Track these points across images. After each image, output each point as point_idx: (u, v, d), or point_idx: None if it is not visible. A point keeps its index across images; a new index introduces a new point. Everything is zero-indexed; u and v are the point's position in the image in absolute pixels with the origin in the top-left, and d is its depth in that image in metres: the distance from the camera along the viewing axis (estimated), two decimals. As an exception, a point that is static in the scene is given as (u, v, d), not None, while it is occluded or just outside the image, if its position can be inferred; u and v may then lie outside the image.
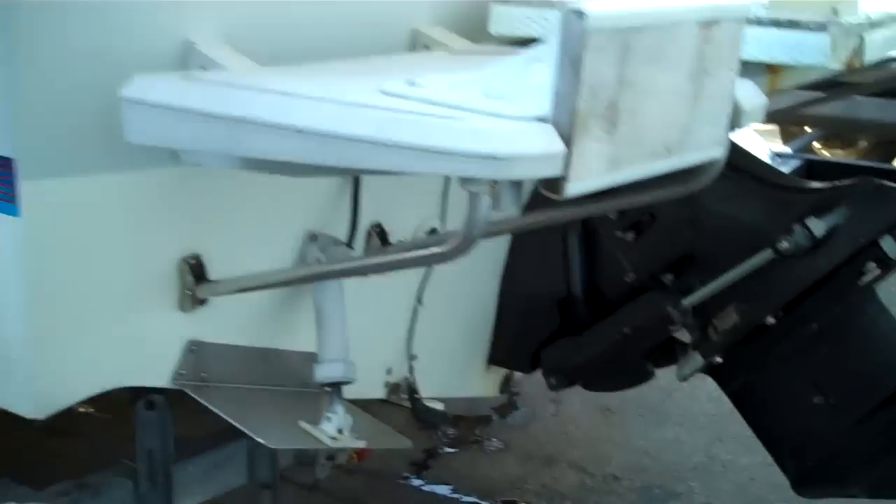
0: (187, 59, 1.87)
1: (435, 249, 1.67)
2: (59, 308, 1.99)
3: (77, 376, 2.10)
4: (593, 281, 2.88)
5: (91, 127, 1.84)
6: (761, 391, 2.80)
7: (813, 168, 4.60)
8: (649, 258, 2.76)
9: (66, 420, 2.25)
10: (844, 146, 6.18)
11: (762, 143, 4.89)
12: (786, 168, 4.40)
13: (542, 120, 1.50)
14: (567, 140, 1.48)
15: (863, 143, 6.08)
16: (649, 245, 2.74)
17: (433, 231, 2.54)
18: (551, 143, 1.47)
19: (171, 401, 2.35)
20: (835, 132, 5.80)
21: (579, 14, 1.44)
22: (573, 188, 1.53)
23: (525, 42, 2.22)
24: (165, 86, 1.69)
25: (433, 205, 2.53)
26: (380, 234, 2.41)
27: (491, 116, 1.50)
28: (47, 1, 1.74)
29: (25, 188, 1.82)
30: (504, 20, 2.25)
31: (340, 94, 1.60)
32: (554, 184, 1.52)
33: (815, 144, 6.03)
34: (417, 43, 2.25)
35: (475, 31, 2.31)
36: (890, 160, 5.63)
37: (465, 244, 1.58)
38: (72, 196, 1.87)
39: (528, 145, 1.47)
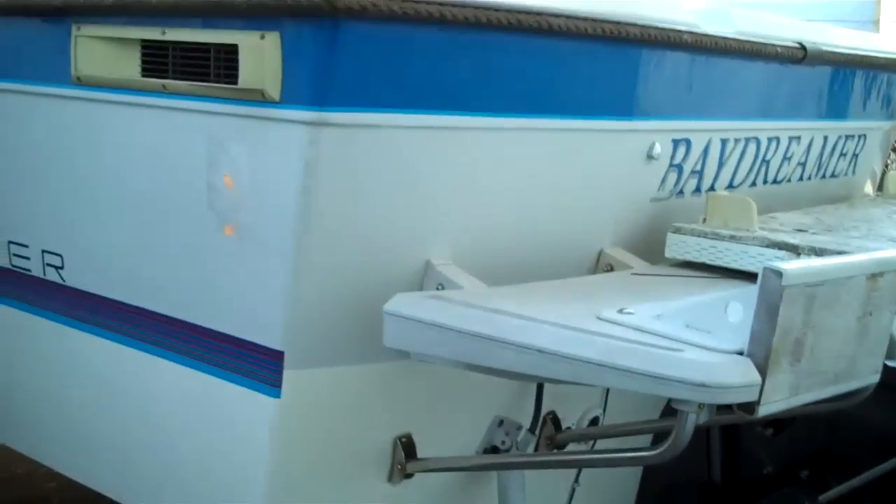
0: (426, 276, 2.25)
1: (645, 454, 1.98)
2: (295, 473, 2.34)
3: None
4: (732, 470, 3.14)
5: (344, 327, 2.21)
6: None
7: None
8: (787, 453, 3.01)
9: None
10: None
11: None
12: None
13: (739, 353, 1.82)
14: (762, 372, 1.80)
15: None
16: (787, 441, 3.00)
17: (595, 420, 2.84)
18: (750, 375, 1.79)
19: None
20: None
21: (778, 273, 1.78)
22: (763, 411, 1.84)
23: (692, 264, 2.58)
24: (422, 305, 2.06)
25: (597, 397, 2.84)
26: (553, 421, 2.72)
27: (698, 348, 1.84)
28: (321, 224, 2.14)
29: (287, 376, 2.19)
30: (678, 246, 2.61)
31: (567, 320, 1.95)
32: (747, 406, 1.83)
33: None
34: (602, 261, 2.63)
35: (651, 253, 2.67)
36: None
37: (673, 450, 1.90)
38: (321, 383, 2.24)
39: (732, 377, 1.78)
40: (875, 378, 2.13)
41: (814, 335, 1.89)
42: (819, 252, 2.41)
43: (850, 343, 2.00)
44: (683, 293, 2.24)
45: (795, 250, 2.45)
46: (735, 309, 1.88)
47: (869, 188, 4.08)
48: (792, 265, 1.81)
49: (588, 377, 1.88)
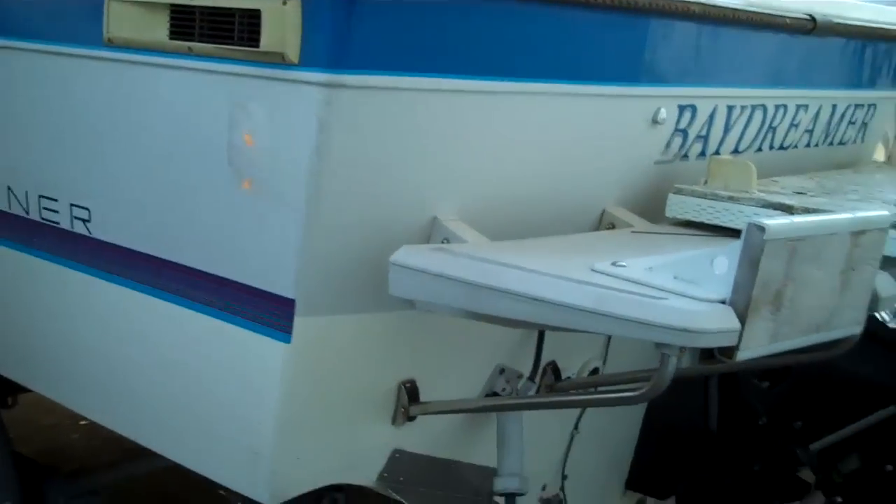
0: (433, 231, 2.38)
1: (627, 394, 2.11)
2: (303, 416, 2.48)
3: (306, 472, 2.57)
4: (729, 420, 3.26)
5: (352, 277, 2.34)
6: (880, 533, 3.11)
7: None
8: (782, 405, 3.13)
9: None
10: None
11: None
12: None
13: (722, 302, 1.94)
14: (742, 319, 1.91)
15: None
16: (782, 394, 3.12)
17: (595, 370, 2.97)
18: (730, 321, 1.90)
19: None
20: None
21: (761, 228, 1.89)
22: (742, 356, 1.95)
23: (692, 223, 2.69)
24: (426, 256, 2.19)
25: (597, 348, 2.96)
26: (553, 370, 2.85)
27: (684, 297, 1.95)
28: (333, 180, 2.25)
29: (297, 322, 2.32)
30: (678, 206, 2.71)
31: (563, 271, 2.07)
32: (727, 351, 1.94)
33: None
34: (604, 220, 2.74)
35: (654, 213, 2.78)
36: None
37: (653, 391, 2.02)
38: (329, 330, 2.37)
39: (712, 322, 1.90)
40: (857, 329, 2.24)
41: (794, 287, 2.00)
42: (812, 212, 2.51)
43: (831, 295, 2.11)
44: (677, 249, 2.35)
45: (790, 210, 2.55)
46: (721, 262, 1.98)
47: (880, 156, 4.15)
48: (775, 221, 1.92)
49: (579, 323, 1.99)
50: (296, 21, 2.14)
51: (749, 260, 1.91)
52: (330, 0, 2.10)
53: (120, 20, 2.50)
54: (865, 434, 2.98)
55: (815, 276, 2.04)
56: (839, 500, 3.10)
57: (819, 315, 2.11)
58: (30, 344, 3.16)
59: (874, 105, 3.82)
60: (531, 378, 2.75)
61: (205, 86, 2.38)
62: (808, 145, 3.52)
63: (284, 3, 2.15)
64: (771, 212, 2.57)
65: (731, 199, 2.67)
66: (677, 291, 1.97)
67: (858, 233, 2.09)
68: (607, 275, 2.07)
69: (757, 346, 1.98)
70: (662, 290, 1.98)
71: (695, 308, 1.91)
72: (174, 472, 2.95)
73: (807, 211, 2.52)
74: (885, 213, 2.19)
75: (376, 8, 2.12)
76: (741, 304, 1.91)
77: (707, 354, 2.00)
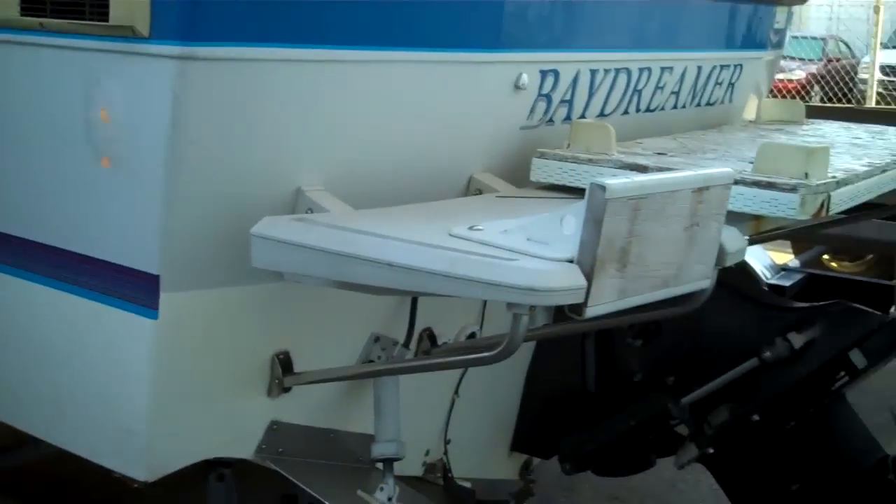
0: (297, 202, 2.39)
1: (483, 354, 2.16)
2: (176, 392, 2.48)
3: (182, 448, 2.58)
4: (606, 379, 3.36)
5: (217, 251, 2.35)
6: (748, 479, 3.25)
7: (815, 281, 5.08)
8: (655, 362, 3.24)
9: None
10: (852, 259, 6.65)
11: (768, 257, 5.35)
12: (789, 281, 4.88)
13: (570, 261, 2.00)
14: (588, 277, 1.98)
15: (869, 257, 6.54)
16: (655, 351, 3.23)
17: (472, 335, 3.03)
18: (576, 279, 1.97)
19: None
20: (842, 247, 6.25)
21: (602, 188, 1.95)
22: (590, 312, 2.01)
23: (556, 187, 2.76)
24: (286, 227, 2.20)
25: (474, 314, 3.02)
26: (430, 337, 2.90)
27: (533, 258, 2.01)
28: (191, 154, 2.25)
29: (164, 298, 2.32)
30: (542, 170, 2.78)
31: (420, 237, 2.11)
32: (576, 308, 2.01)
33: (825, 257, 6.48)
34: (472, 186, 2.79)
35: (521, 178, 2.83)
36: (891, 275, 6.09)
37: (507, 351, 2.08)
38: (197, 304, 2.38)
39: (558, 281, 1.96)
40: (706, 283, 2.33)
41: (639, 244, 2.07)
42: (665, 171, 2.60)
43: (677, 251, 2.19)
44: (536, 211, 2.41)
45: (644, 170, 2.64)
46: (569, 222, 2.05)
47: (750, 115, 4.28)
48: (615, 181, 1.98)
49: (434, 287, 2.04)
50: None
51: (593, 219, 1.97)
52: None
53: None
54: (732, 386, 3.11)
55: (659, 232, 2.11)
56: (710, 451, 3.23)
57: (666, 270, 2.18)
58: None
59: (740, 65, 3.95)
60: (405, 345, 2.79)
61: (58, 62, 2.36)
62: (675, 107, 3.62)
63: None
64: (628, 172, 2.65)
65: (590, 161, 2.74)
66: (528, 252, 2.02)
67: (701, 189, 2.17)
68: (463, 238, 2.11)
69: (605, 302, 2.04)
70: (514, 251, 2.04)
71: (541, 267, 1.97)
72: (68, 457, 2.92)
73: (660, 171, 2.61)
74: (728, 169, 2.28)
75: None
76: (587, 262, 1.98)
77: (562, 314, 2.06)
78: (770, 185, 2.46)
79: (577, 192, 2.73)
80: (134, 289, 2.35)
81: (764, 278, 4.64)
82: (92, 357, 2.52)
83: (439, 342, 2.92)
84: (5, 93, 2.49)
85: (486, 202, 2.66)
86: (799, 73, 16.08)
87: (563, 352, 3.36)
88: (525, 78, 2.84)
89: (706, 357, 3.19)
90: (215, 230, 2.33)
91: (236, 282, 2.41)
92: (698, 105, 3.79)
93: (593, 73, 3.12)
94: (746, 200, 2.48)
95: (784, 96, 13.24)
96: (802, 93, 15.09)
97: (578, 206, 2.02)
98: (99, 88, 2.30)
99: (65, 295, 2.50)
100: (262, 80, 2.28)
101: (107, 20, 2.21)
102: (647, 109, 3.47)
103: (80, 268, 2.45)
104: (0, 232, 2.62)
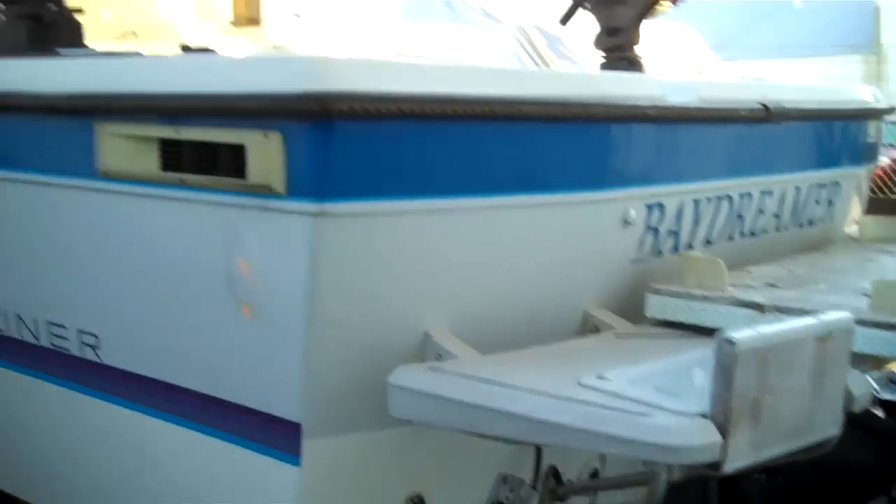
0: (426, 347, 2.49)
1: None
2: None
3: None
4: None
5: (353, 397, 2.45)
6: None
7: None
8: (779, 495, 3.21)
9: None
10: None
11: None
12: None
13: (703, 415, 2.05)
14: (723, 432, 2.03)
15: None
16: (779, 485, 3.20)
17: (595, 472, 3.05)
18: (711, 436, 2.02)
19: None
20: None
21: (730, 341, 2.02)
22: (727, 468, 2.06)
23: (674, 324, 2.81)
24: (421, 376, 2.31)
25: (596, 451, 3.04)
26: (555, 475, 2.92)
27: (666, 411, 2.07)
28: (327, 305, 2.36)
29: (305, 445, 2.43)
30: (658, 307, 2.85)
31: (550, 387, 2.19)
32: (713, 465, 2.05)
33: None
34: (588, 322, 2.87)
35: (635, 310, 2.90)
36: None
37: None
38: (336, 451, 2.48)
39: (695, 439, 2.01)
40: (835, 430, 2.34)
41: (771, 395, 2.12)
42: (782, 310, 2.64)
43: (806, 400, 2.23)
44: (659, 354, 2.48)
45: (761, 309, 2.69)
46: (698, 373, 2.11)
47: (850, 229, 4.29)
48: (742, 334, 2.04)
49: (570, 441, 2.11)
50: (278, 154, 2.26)
51: (723, 372, 2.03)
52: (308, 132, 2.23)
53: (112, 152, 2.60)
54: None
55: (788, 382, 2.16)
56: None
57: (798, 420, 2.21)
58: (40, 466, 3.24)
59: (837, 183, 3.98)
60: (532, 486, 2.84)
61: (198, 215, 2.48)
62: (777, 229, 3.67)
63: (266, 136, 2.26)
64: (744, 310, 2.70)
65: (705, 298, 2.80)
66: (661, 405, 2.08)
67: (825, 337, 2.22)
68: (593, 389, 2.19)
69: (742, 457, 2.08)
70: (645, 403, 2.10)
71: (676, 424, 2.02)
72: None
73: (777, 309, 2.66)
74: (848, 314, 2.31)
75: (353, 137, 2.24)
76: (721, 417, 2.03)
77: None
78: (891, 327, 2.49)
79: (694, 328, 2.79)
80: (275, 435, 2.46)
81: (874, 393, 4.56)
82: (232, 501, 2.61)
83: (563, 479, 2.96)
84: (150, 244, 2.65)
85: (606, 343, 2.73)
86: (883, 160, 15.83)
87: (686, 485, 3.35)
88: (632, 213, 2.93)
89: (832, 490, 3.15)
90: (351, 377, 2.44)
91: (371, 427, 2.50)
92: (799, 225, 3.83)
93: (696, 202, 3.19)
94: (867, 341, 2.51)
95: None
96: (885, 178, 14.85)
97: (704, 356, 2.08)
98: (238, 241, 2.42)
99: (207, 438, 2.62)
100: (390, 230, 2.39)
101: (244, 178, 2.33)
102: (751, 233, 3.53)
103: (223, 412, 2.57)
104: (146, 376, 2.76)
